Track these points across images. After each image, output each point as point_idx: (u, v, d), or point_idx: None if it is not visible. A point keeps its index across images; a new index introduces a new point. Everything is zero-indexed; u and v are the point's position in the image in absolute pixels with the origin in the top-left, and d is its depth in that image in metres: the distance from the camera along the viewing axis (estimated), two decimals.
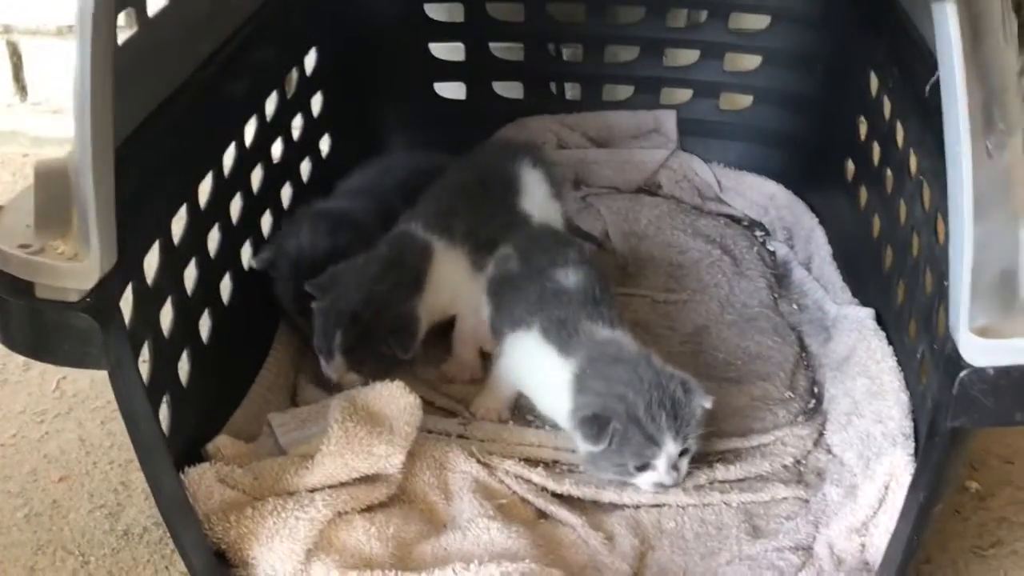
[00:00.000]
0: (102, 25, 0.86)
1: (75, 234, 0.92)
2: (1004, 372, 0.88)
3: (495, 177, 1.64)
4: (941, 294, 1.18)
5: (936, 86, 1.22)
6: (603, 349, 1.39)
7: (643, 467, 1.33)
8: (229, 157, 1.46)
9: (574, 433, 1.37)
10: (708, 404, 1.34)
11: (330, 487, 1.24)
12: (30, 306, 0.91)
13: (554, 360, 1.40)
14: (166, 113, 1.21)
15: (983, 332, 0.89)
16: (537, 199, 1.65)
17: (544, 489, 1.34)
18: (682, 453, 1.33)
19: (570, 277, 1.47)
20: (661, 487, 1.33)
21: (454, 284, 1.55)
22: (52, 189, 0.92)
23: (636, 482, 1.34)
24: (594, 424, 1.32)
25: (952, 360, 0.91)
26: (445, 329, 1.58)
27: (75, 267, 0.90)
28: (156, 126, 1.18)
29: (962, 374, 0.89)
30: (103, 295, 0.95)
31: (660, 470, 1.33)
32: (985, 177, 0.86)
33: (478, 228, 1.57)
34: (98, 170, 0.88)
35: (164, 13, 1.20)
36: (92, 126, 0.87)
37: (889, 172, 1.53)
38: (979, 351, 0.89)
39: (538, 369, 1.43)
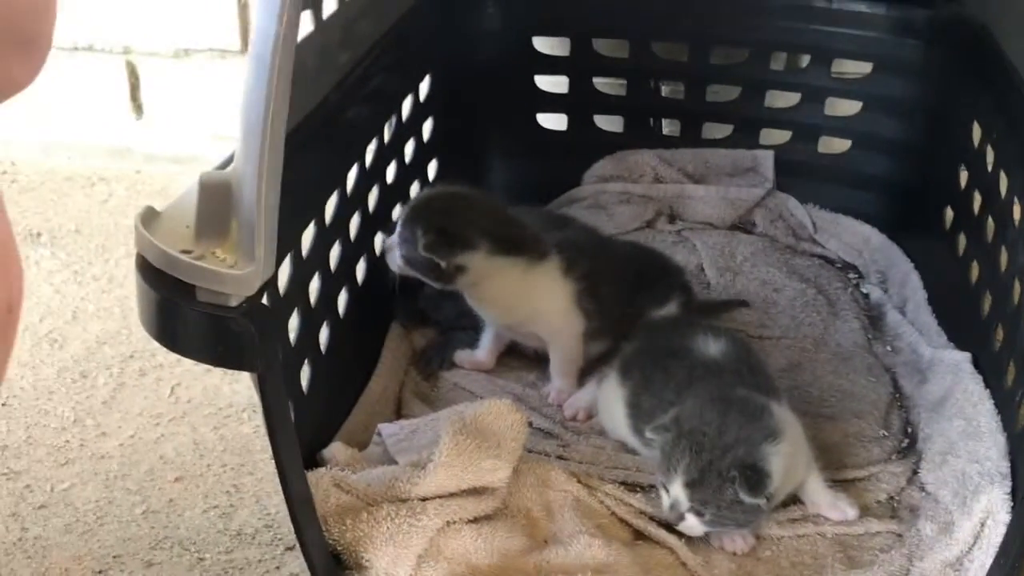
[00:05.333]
0: (287, 45, 0.91)
1: (233, 243, 0.97)
2: None
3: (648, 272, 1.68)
4: None
5: None
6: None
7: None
8: (351, 177, 1.52)
9: None
10: (747, 499, 1.27)
11: (440, 497, 1.28)
12: (193, 309, 0.97)
13: None
14: (301, 134, 1.27)
15: None
16: None
17: (642, 512, 1.38)
18: (695, 511, 1.30)
19: (711, 346, 1.45)
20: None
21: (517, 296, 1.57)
22: (214, 200, 0.98)
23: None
24: (655, 419, 1.35)
25: None
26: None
27: (238, 274, 0.95)
28: (293, 146, 1.23)
29: None
30: (259, 302, 1.01)
31: (663, 499, 1.32)
32: None
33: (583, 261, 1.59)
34: (269, 186, 0.93)
35: (307, 40, 1.27)
36: (269, 146, 0.92)
37: (991, 220, 1.55)
38: None
39: None
